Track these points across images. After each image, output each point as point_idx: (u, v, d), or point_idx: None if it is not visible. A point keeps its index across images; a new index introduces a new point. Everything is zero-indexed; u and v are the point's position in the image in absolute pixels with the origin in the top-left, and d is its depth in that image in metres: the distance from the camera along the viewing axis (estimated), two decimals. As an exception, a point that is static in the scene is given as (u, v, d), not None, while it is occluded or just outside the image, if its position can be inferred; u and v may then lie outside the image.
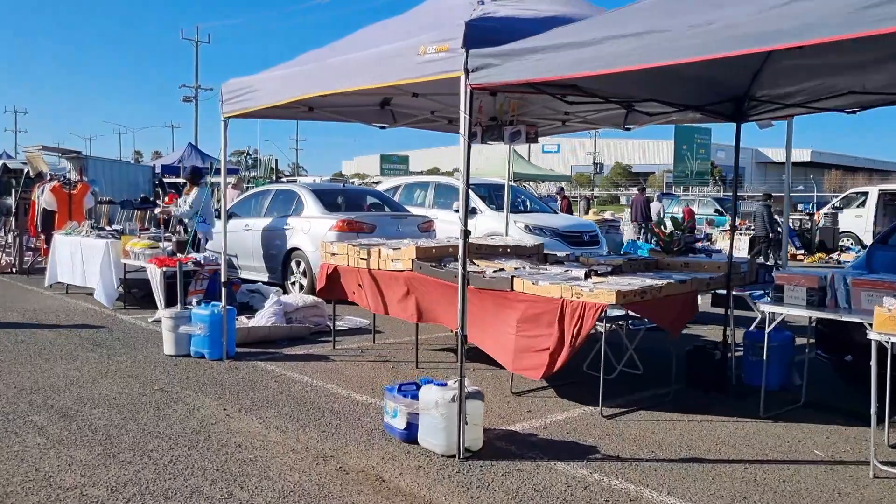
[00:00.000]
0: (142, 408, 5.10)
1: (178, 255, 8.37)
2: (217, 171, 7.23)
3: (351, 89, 5.10)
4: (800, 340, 5.97)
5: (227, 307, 6.50)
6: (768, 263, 11.70)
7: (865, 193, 22.01)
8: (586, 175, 58.79)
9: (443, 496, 3.71)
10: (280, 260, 10.30)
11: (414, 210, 11.94)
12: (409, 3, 5.88)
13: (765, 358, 5.15)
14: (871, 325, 3.99)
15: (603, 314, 4.79)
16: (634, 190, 25.11)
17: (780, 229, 17.04)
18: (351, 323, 8.18)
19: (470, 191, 4.95)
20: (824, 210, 23.00)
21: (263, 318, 7.51)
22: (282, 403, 5.26)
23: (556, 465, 4.15)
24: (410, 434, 4.39)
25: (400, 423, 4.44)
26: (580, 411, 5.17)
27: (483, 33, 4.16)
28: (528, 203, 13.80)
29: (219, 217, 8.34)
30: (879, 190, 21.70)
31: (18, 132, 79.02)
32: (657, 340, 6.15)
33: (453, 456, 4.17)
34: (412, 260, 5.89)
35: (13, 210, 13.42)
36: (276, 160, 34.44)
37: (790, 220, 17.79)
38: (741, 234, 18.68)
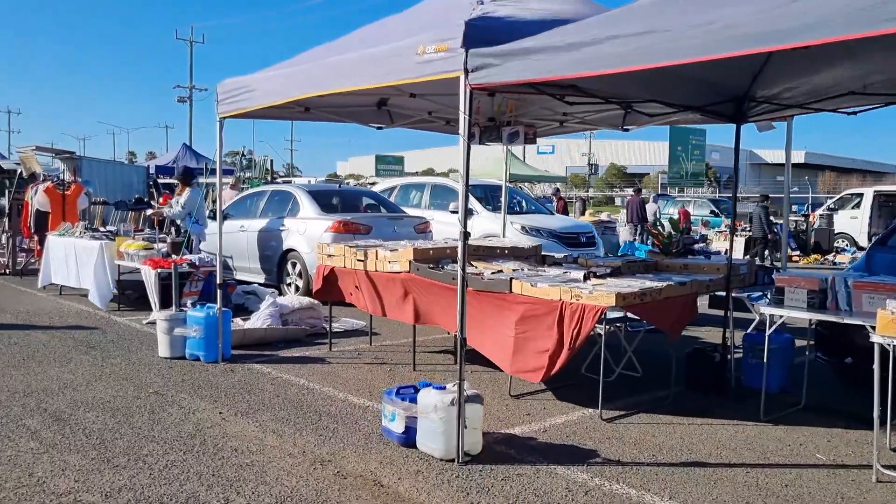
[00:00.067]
0: (136, 411, 5.04)
1: (172, 256, 8.31)
2: (213, 172, 7.18)
3: (349, 89, 5.05)
4: (799, 342, 5.95)
5: (223, 309, 6.45)
6: (766, 265, 11.68)
7: (860, 195, 22.10)
8: (581, 176, 58.89)
9: (442, 501, 3.67)
10: (276, 261, 10.23)
11: (410, 211, 11.88)
12: (408, 2, 5.84)
13: (765, 360, 5.12)
14: (873, 327, 3.96)
15: (602, 316, 4.76)
16: (630, 191, 25.12)
17: (777, 230, 17.06)
18: (347, 325, 8.14)
19: (468, 192, 4.90)
20: (819, 211, 23.06)
21: (259, 320, 7.45)
22: (278, 407, 5.21)
23: (556, 469, 4.11)
24: (409, 438, 4.35)
25: (398, 427, 4.39)
26: (579, 414, 5.13)
27: (483, 33, 4.12)
28: (524, 204, 13.80)
29: (213, 218, 8.28)
30: (874, 191, 21.80)
31: (12, 132, 78.91)
32: (656, 342, 6.11)
33: (452, 460, 4.13)
34: (410, 262, 5.85)
35: (6, 211, 13.34)
36: (272, 161, 34.33)
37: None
38: (737, 236, 18.68)
